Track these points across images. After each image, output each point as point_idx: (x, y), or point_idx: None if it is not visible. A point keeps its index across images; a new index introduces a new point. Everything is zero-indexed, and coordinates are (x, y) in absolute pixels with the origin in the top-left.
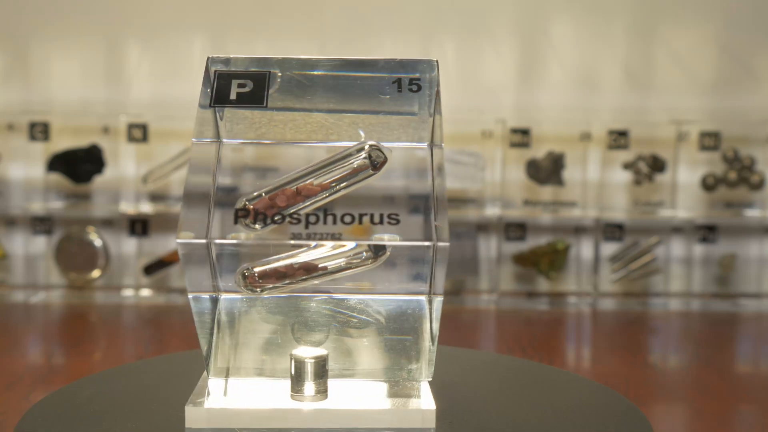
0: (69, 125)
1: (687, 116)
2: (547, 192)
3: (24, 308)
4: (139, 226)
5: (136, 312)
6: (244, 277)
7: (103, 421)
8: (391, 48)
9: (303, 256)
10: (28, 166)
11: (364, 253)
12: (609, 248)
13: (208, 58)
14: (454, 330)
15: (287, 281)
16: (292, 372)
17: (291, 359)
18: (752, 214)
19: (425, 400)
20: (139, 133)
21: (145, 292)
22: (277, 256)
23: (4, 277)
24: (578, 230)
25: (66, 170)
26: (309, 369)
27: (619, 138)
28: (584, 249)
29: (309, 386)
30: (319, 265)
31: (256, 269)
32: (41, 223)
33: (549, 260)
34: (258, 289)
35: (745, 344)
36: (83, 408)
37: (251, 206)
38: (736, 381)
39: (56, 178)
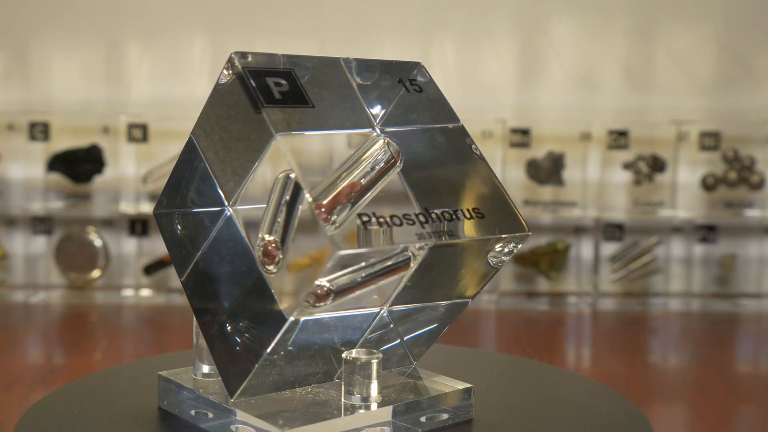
0: (69, 125)
1: (687, 116)
2: (547, 192)
3: (24, 308)
4: (139, 226)
5: (136, 312)
6: (314, 294)
7: (103, 421)
8: (391, 48)
9: (380, 266)
10: (28, 166)
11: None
12: (609, 248)
13: (233, 53)
14: (454, 330)
15: (352, 294)
16: (358, 375)
17: (353, 362)
18: (752, 214)
19: (454, 381)
20: (139, 133)
21: (145, 292)
22: (363, 267)
23: (4, 277)
24: (578, 230)
25: (66, 170)
26: (374, 369)
27: (619, 138)
28: (584, 249)
29: (374, 386)
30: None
31: (328, 282)
32: (41, 223)
33: (549, 260)
34: (321, 304)
35: (745, 344)
36: (83, 408)
37: (321, 204)
38: (736, 381)
39: (56, 178)
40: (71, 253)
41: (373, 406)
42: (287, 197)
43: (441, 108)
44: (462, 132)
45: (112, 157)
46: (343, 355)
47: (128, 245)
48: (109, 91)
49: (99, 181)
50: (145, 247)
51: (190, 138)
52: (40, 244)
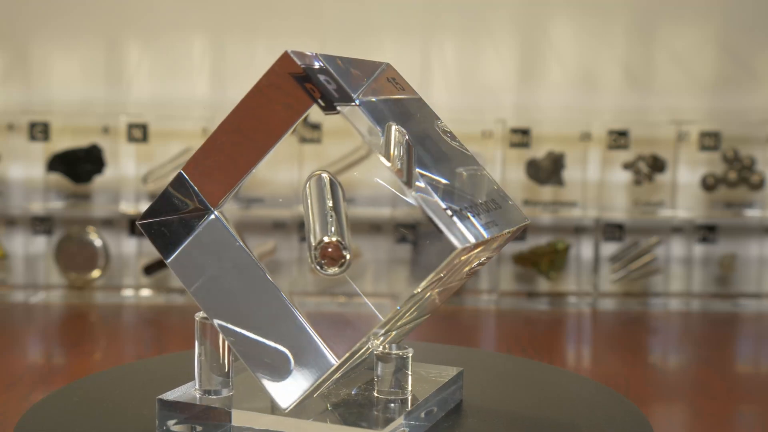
0: (69, 125)
1: (687, 116)
2: (547, 192)
3: (24, 308)
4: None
5: (136, 312)
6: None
7: (103, 421)
8: (391, 48)
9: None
10: (28, 166)
11: None
12: (609, 248)
13: (290, 52)
14: (454, 330)
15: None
16: (397, 369)
17: (391, 359)
18: (752, 214)
19: (445, 368)
20: (139, 133)
21: (145, 292)
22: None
23: (4, 277)
24: (578, 230)
25: (66, 170)
26: (410, 363)
27: (619, 138)
28: (584, 249)
29: (410, 378)
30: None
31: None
32: (41, 223)
33: (549, 260)
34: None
35: (745, 344)
36: (83, 408)
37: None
38: (736, 381)
39: (56, 178)
40: (71, 253)
41: (410, 397)
42: (329, 197)
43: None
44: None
45: (112, 157)
46: (375, 352)
47: (128, 245)
48: (109, 91)
49: (99, 181)
50: (145, 247)
51: (180, 174)
52: (40, 244)
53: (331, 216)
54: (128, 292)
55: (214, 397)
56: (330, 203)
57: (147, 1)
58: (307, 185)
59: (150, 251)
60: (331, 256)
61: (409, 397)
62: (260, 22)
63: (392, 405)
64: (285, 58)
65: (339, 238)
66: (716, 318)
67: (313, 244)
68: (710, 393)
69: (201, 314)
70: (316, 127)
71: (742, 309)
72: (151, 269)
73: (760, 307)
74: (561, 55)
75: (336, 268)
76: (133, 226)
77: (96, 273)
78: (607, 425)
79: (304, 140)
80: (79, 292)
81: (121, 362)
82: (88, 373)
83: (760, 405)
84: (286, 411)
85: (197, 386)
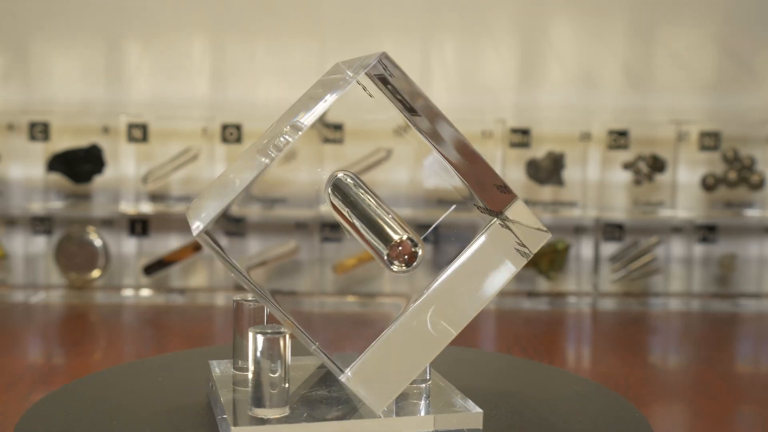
0: (69, 125)
1: (687, 116)
2: (547, 192)
3: (24, 308)
4: (139, 226)
5: (136, 312)
6: None
7: (103, 421)
8: (391, 48)
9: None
10: (28, 166)
11: None
12: (609, 248)
13: (385, 55)
14: None
15: None
16: None
17: None
18: (752, 214)
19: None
20: (139, 133)
21: (145, 292)
22: None
23: (4, 277)
24: (578, 230)
25: (66, 170)
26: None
27: (619, 138)
28: (584, 249)
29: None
30: None
31: None
32: (41, 223)
33: (549, 260)
34: None
35: (745, 344)
36: (83, 408)
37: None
38: (736, 381)
39: (56, 178)
40: (71, 253)
41: (442, 383)
42: (367, 196)
43: None
44: None
45: (112, 157)
46: None
47: (128, 245)
48: (109, 91)
49: (99, 181)
50: (145, 247)
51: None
52: (40, 244)
53: (388, 215)
54: (128, 292)
55: (293, 414)
56: (373, 202)
57: (147, 1)
58: (328, 191)
59: (150, 251)
60: (403, 254)
61: (430, 383)
62: (260, 22)
63: (447, 392)
64: (385, 57)
65: (408, 235)
66: (716, 318)
67: (384, 244)
68: (710, 393)
69: (256, 328)
70: (337, 127)
71: (742, 309)
72: (151, 269)
73: (760, 307)
74: (561, 55)
75: (406, 266)
76: (133, 226)
77: (96, 273)
78: (607, 425)
79: (326, 141)
80: (79, 292)
81: (121, 362)
82: (88, 373)
83: (760, 405)
84: (381, 415)
85: (255, 404)
